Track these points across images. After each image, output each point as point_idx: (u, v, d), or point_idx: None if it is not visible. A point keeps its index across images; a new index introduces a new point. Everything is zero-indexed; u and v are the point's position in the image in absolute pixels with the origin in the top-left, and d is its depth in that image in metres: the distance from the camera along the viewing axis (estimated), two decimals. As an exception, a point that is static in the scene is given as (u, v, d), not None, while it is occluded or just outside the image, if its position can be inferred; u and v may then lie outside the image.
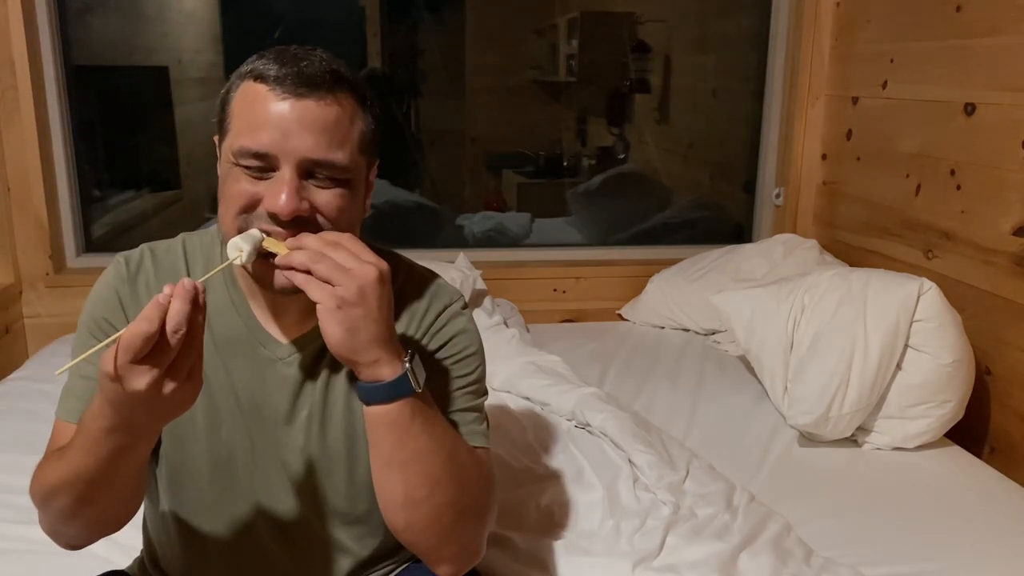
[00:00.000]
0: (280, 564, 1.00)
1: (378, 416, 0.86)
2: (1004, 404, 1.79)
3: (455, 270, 2.33)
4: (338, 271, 0.80)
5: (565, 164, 2.94)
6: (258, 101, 0.86)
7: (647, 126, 2.90)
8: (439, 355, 0.99)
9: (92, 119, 2.47)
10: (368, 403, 0.86)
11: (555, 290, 2.63)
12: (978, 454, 1.77)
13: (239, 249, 0.84)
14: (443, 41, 2.73)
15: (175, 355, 0.73)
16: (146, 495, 1.05)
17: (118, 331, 0.95)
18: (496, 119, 2.85)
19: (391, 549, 1.06)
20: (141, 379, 0.72)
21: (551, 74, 2.85)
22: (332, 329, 0.81)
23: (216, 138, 0.95)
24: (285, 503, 0.98)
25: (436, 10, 2.71)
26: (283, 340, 0.96)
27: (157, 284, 0.98)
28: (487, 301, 2.36)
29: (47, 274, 2.38)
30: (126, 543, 1.25)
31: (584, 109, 2.91)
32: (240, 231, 0.87)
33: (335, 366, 0.96)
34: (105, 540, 1.29)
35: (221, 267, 0.86)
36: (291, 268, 0.82)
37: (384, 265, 0.83)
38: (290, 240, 0.83)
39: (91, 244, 2.52)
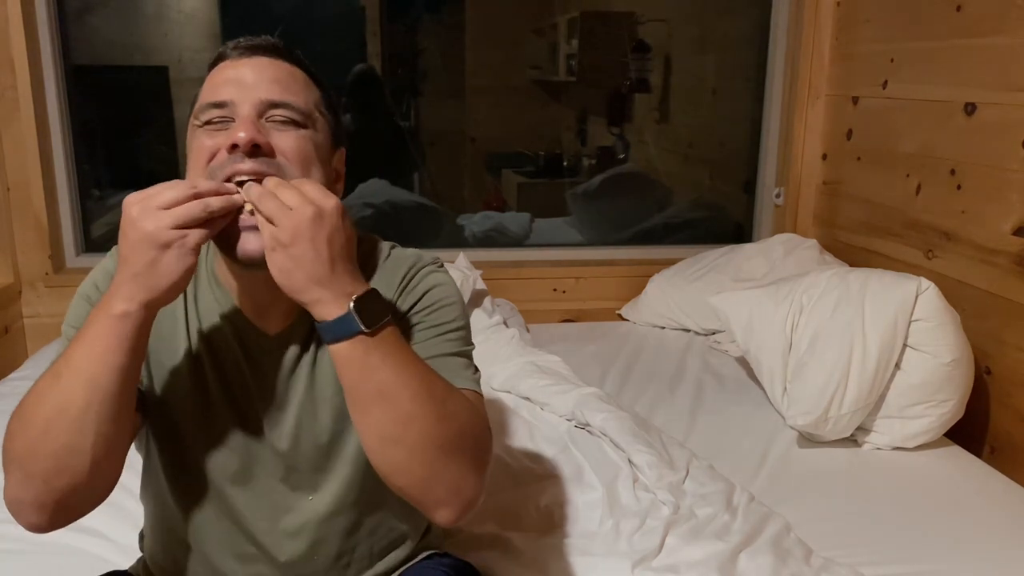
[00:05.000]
0: (276, 552, 1.01)
1: (334, 354, 0.86)
2: (1004, 404, 1.79)
3: (455, 270, 2.33)
4: (279, 211, 0.82)
5: (565, 164, 2.94)
6: (218, 71, 0.94)
7: (647, 126, 2.90)
8: (415, 309, 0.99)
9: (92, 119, 2.47)
10: (325, 342, 0.86)
11: (555, 290, 2.63)
12: (978, 454, 1.77)
13: None
14: (443, 41, 2.72)
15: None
16: (146, 497, 1.06)
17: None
18: (496, 119, 2.85)
19: (391, 543, 1.06)
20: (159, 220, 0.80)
21: (551, 74, 2.85)
22: (272, 269, 0.83)
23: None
24: (278, 490, 1.00)
25: (436, 10, 2.71)
26: (269, 333, 0.98)
27: None
28: (487, 301, 2.36)
29: (47, 274, 2.39)
30: (127, 544, 1.25)
31: (584, 109, 2.91)
32: None
33: (323, 351, 0.98)
34: (106, 541, 1.31)
35: None
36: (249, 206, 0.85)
37: (330, 203, 0.83)
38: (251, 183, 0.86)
39: (91, 244, 2.52)
